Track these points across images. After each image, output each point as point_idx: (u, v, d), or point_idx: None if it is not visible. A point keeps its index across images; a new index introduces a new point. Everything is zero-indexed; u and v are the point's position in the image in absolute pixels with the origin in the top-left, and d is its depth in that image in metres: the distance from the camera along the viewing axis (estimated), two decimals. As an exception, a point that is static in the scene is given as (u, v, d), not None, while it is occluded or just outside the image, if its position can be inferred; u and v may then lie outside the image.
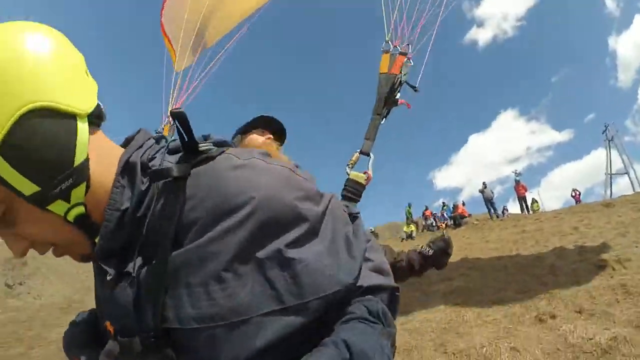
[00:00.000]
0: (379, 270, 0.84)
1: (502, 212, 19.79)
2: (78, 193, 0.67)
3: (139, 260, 0.71)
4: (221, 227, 0.66)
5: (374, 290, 0.79)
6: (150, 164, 0.75)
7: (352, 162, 2.25)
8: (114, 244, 0.72)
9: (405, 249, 2.35)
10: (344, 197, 1.96)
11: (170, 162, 0.75)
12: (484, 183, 19.66)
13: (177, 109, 0.73)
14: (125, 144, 0.81)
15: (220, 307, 0.64)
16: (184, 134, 0.74)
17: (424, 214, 23.28)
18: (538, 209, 19.24)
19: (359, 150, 2.34)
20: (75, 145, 0.64)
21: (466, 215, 19.63)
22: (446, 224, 20.47)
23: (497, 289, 6.24)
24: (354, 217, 0.89)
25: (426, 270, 2.21)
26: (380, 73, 2.67)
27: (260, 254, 0.67)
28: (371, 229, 25.51)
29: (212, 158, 0.75)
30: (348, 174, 2.16)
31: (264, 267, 0.66)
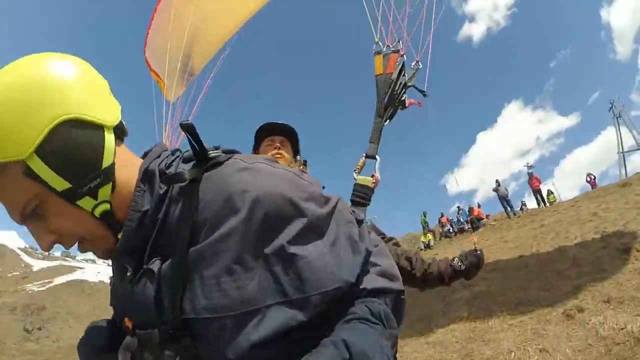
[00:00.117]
0: (385, 275, 0.86)
1: (521, 208, 19.44)
2: (105, 191, 0.76)
3: (158, 258, 0.78)
4: (229, 224, 0.72)
5: (378, 292, 0.81)
6: (167, 171, 0.83)
7: (358, 166, 2.27)
8: (135, 242, 0.80)
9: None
10: (353, 203, 1.97)
11: (184, 169, 0.82)
12: (497, 181, 19.38)
13: (186, 121, 0.80)
14: (143, 157, 0.89)
15: (230, 298, 0.69)
16: (195, 144, 0.82)
17: (440, 221, 22.94)
18: (555, 200, 18.81)
19: (364, 155, 2.35)
20: (103, 151, 0.75)
21: (483, 217, 19.31)
22: (462, 229, 20.13)
23: (520, 288, 6.02)
24: (359, 222, 0.92)
25: (455, 280, 2.23)
26: (377, 75, 2.68)
27: (266, 248, 0.72)
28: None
29: (221, 163, 0.82)
30: (355, 179, 2.17)
31: (270, 262, 0.72)
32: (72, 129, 0.71)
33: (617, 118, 26.20)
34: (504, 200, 18.92)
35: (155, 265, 0.77)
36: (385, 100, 2.54)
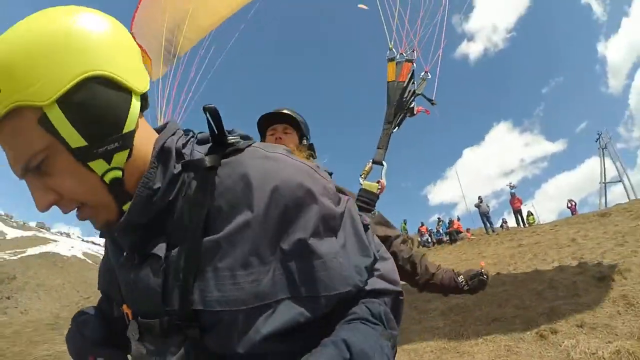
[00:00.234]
0: (385, 278, 0.85)
1: (501, 225, 19.74)
2: (120, 158, 0.71)
3: (164, 242, 0.75)
4: (247, 214, 0.71)
5: (378, 293, 0.81)
6: (183, 151, 0.79)
7: (365, 172, 2.26)
8: (139, 219, 0.75)
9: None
10: (358, 208, 1.95)
11: (199, 151, 0.80)
12: (479, 197, 19.68)
13: (209, 104, 0.78)
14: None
15: (244, 292, 0.68)
16: (215, 128, 0.79)
17: (419, 230, 23.11)
18: (534, 222, 19.16)
19: (371, 160, 2.35)
20: (127, 115, 0.70)
21: (462, 230, 19.52)
22: (441, 240, 20.35)
23: (496, 305, 6.11)
24: (365, 226, 0.90)
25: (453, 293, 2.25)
26: (388, 82, 2.67)
27: (283, 242, 0.71)
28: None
29: (241, 150, 0.80)
30: (361, 184, 2.16)
31: (286, 256, 0.71)
32: (101, 86, 0.67)
33: (602, 149, 26.82)
34: (484, 216, 19.21)
35: (160, 250, 0.74)
36: (395, 107, 2.56)
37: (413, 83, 2.67)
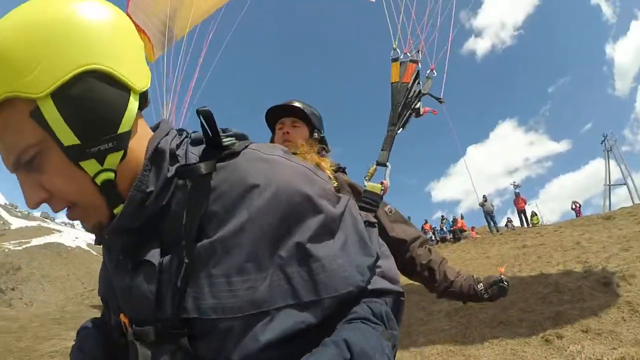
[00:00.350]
0: (386, 277, 0.85)
1: (506, 224, 19.78)
2: (113, 159, 0.69)
3: (158, 248, 0.73)
4: (243, 219, 0.69)
5: (379, 293, 0.81)
6: (177, 152, 0.78)
7: (369, 174, 2.25)
8: (131, 223, 0.73)
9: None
10: (361, 209, 1.91)
11: (193, 153, 0.79)
12: (484, 196, 19.70)
13: (203, 107, 0.76)
14: None
15: (240, 299, 0.66)
16: (209, 130, 0.77)
17: (423, 227, 23.17)
18: (538, 223, 19.14)
19: (375, 162, 2.35)
20: (123, 115, 0.68)
21: (465, 229, 19.60)
22: (444, 238, 20.42)
23: (502, 308, 6.14)
24: (370, 224, 0.92)
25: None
26: (392, 82, 2.66)
27: (281, 247, 0.70)
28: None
29: (237, 153, 0.78)
30: (365, 186, 2.13)
31: (283, 262, 0.69)
32: (98, 81, 0.64)
33: (607, 151, 26.79)
34: (488, 215, 19.28)
35: (154, 257, 0.72)
36: (400, 108, 2.55)
37: (418, 83, 2.65)
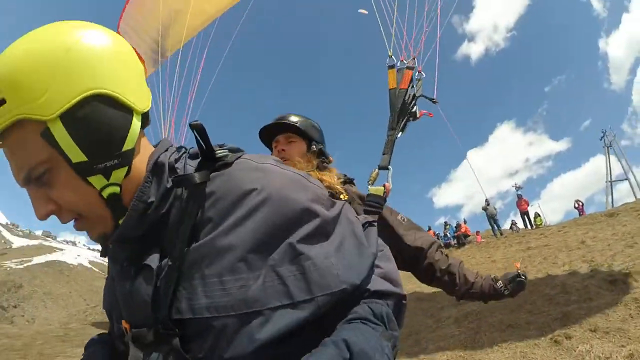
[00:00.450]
0: (387, 279, 0.86)
1: (511, 227, 19.74)
2: (118, 174, 0.74)
3: (157, 253, 0.77)
4: (234, 223, 0.73)
5: (380, 295, 0.82)
6: (176, 165, 0.82)
7: (372, 178, 2.27)
8: (133, 232, 0.78)
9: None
10: (365, 212, 1.91)
11: (191, 165, 0.83)
12: (486, 200, 19.63)
13: (195, 121, 0.80)
14: None
15: (232, 298, 0.68)
16: (202, 143, 0.81)
17: (427, 234, 23.13)
18: (541, 224, 19.15)
19: (377, 166, 2.38)
20: (127, 134, 0.73)
21: (469, 234, 19.56)
22: (449, 244, 20.36)
23: (510, 310, 6.15)
24: (370, 224, 0.95)
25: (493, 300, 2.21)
26: (390, 89, 2.69)
27: (272, 248, 0.73)
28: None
29: (230, 164, 0.82)
30: (369, 190, 2.13)
31: (276, 262, 0.72)
32: (103, 105, 0.69)
33: (607, 147, 26.82)
34: (492, 219, 19.20)
35: (153, 261, 0.76)
36: (398, 113, 2.59)
37: (412, 87, 2.71)
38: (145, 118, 0.82)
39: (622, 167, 26.05)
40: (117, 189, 0.75)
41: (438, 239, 21.59)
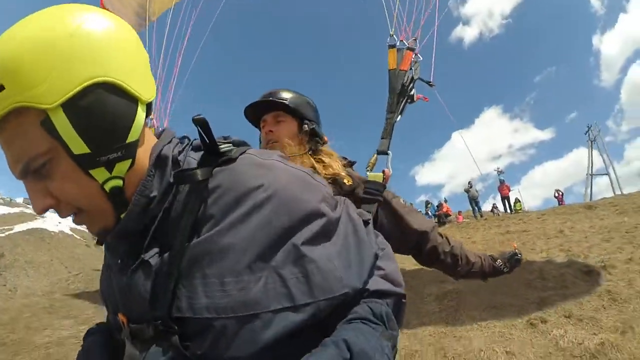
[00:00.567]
0: (388, 279, 0.86)
1: (492, 210, 20.27)
2: (122, 167, 0.71)
3: (157, 249, 0.75)
4: (238, 221, 0.71)
5: (380, 294, 0.82)
6: (179, 158, 0.80)
7: (370, 164, 2.20)
8: (135, 226, 0.76)
9: None
10: (364, 200, 1.82)
11: (194, 158, 0.81)
12: (469, 182, 20.08)
13: (198, 115, 0.77)
14: None
15: (232, 299, 0.67)
16: (206, 138, 0.79)
17: (409, 211, 23.52)
18: (521, 209, 19.69)
19: (376, 151, 2.29)
20: (132, 125, 0.70)
21: (450, 214, 20.03)
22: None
23: (489, 292, 6.41)
24: (365, 222, 0.92)
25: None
26: (389, 70, 2.59)
27: (275, 249, 0.71)
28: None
29: (234, 160, 0.80)
30: (367, 177, 2.03)
31: (278, 264, 0.70)
32: (108, 93, 0.66)
33: (591, 141, 27.50)
34: (473, 201, 19.71)
35: (153, 257, 0.74)
36: (398, 95, 2.50)
37: (411, 69, 2.62)
38: (149, 107, 0.77)
39: (604, 161, 26.92)
40: (119, 182, 0.72)
41: (419, 216, 22.24)
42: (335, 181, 1.71)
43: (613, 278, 5.96)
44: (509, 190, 20.82)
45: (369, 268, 0.82)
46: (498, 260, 2.14)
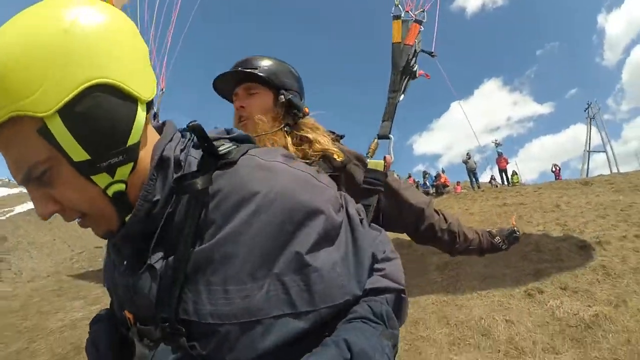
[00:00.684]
0: (388, 278, 0.84)
1: (490, 181, 20.54)
2: (124, 171, 0.69)
3: (162, 253, 0.75)
4: (240, 227, 0.70)
5: (378, 291, 0.81)
6: (180, 157, 0.78)
7: (371, 150, 2.02)
8: (139, 230, 0.75)
9: None
10: (364, 190, 1.70)
11: (195, 157, 0.79)
12: (467, 154, 20.16)
13: (193, 122, 0.77)
14: None
15: (235, 307, 0.67)
16: (204, 142, 0.78)
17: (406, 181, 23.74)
18: (518, 182, 19.87)
19: (377, 135, 2.11)
20: (132, 127, 0.68)
21: (448, 184, 20.21)
22: (427, 192, 21.05)
23: (486, 264, 6.65)
24: (360, 220, 0.91)
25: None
26: (393, 43, 2.37)
27: (278, 256, 0.70)
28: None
29: (234, 163, 0.79)
30: (368, 165, 1.86)
31: (281, 271, 0.70)
32: (106, 95, 0.63)
33: (590, 118, 27.60)
34: (471, 172, 19.88)
35: (158, 262, 0.75)
36: (402, 72, 2.30)
37: (416, 43, 2.38)
38: (150, 105, 0.75)
39: (602, 139, 27.12)
40: (122, 187, 0.71)
41: (418, 187, 22.35)
42: (325, 157, 1.56)
43: (607, 254, 6.22)
44: (507, 163, 20.88)
45: (367, 270, 0.82)
46: (497, 237, 2.10)
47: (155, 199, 0.74)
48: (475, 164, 20.06)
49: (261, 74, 1.59)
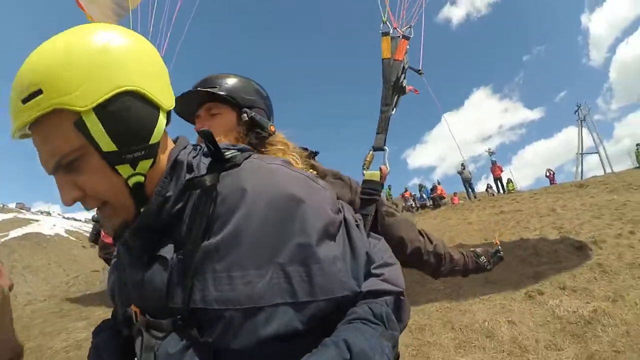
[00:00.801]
0: (387, 282, 0.87)
1: (487, 190, 20.74)
2: (144, 165, 0.78)
3: (172, 245, 0.81)
4: (242, 220, 0.76)
5: (377, 293, 0.83)
6: (192, 161, 0.87)
7: (367, 162, 2.03)
8: (152, 222, 0.81)
9: None
10: (362, 200, 1.69)
11: (204, 163, 0.88)
12: (462, 164, 20.36)
13: (203, 128, 0.85)
14: None
15: (238, 293, 0.71)
16: (212, 147, 0.86)
17: (403, 195, 23.90)
18: (513, 189, 20.01)
19: (372, 148, 2.14)
20: (154, 128, 0.77)
21: (444, 196, 20.31)
22: (424, 205, 21.15)
23: (488, 269, 6.77)
24: (356, 224, 0.94)
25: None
26: (383, 59, 2.44)
27: (280, 247, 0.75)
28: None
29: (238, 165, 0.87)
30: (364, 176, 1.89)
31: (283, 262, 0.74)
32: (134, 99, 0.73)
33: (581, 120, 27.88)
34: (467, 183, 20.03)
35: (168, 253, 0.80)
36: (393, 87, 2.35)
37: (405, 59, 2.46)
38: (169, 117, 0.84)
39: (594, 140, 27.41)
40: (141, 179, 0.78)
41: (414, 200, 22.47)
42: None
43: (603, 252, 6.39)
44: (501, 171, 21.07)
45: (363, 269, 0.85)
46: (482, 257, 2.14)
47: (168, 194, 0.81)
48: (470, 174, 20.25)
49: (221, 93, 1.53)
